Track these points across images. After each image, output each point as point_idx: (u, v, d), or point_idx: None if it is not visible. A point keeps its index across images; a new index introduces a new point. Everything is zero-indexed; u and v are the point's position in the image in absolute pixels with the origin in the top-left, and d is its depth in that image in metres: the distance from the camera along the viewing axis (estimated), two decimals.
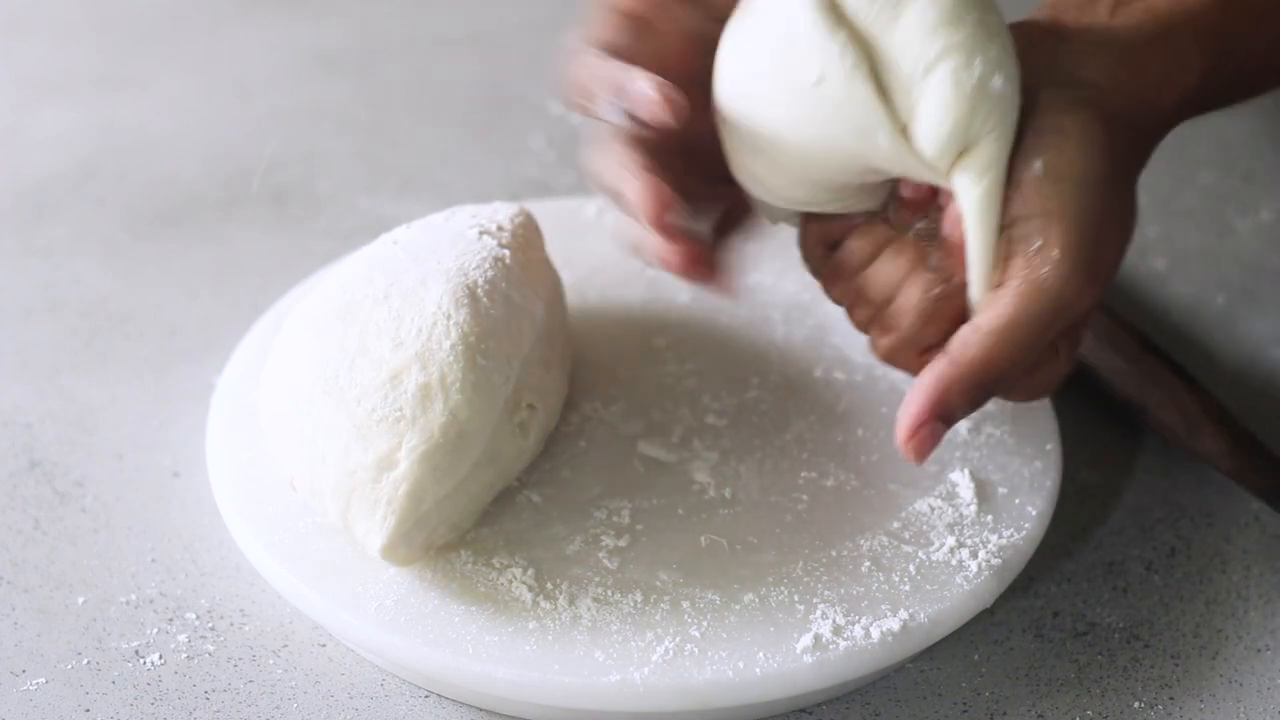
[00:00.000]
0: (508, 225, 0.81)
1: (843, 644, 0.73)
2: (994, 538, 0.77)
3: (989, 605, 0.76)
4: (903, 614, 0.74)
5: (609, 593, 0.74)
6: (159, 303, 0.93)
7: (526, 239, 0.81)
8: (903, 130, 0.69)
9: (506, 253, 0.78)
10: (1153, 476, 0.86)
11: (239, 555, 0.79)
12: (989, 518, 0.78)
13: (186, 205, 1.00)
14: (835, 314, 0.88)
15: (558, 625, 0.73)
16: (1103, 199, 0.69)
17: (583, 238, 0.91)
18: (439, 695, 0.75)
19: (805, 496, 0.79)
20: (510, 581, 0.74)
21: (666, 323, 0.87)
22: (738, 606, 0.74)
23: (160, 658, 0.76)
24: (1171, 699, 0.76)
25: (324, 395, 0.74)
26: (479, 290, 0.76)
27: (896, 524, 0.78)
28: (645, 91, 0.69)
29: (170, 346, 0.90)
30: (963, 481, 0.80)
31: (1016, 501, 0.79)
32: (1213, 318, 0.95)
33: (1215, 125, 1.09)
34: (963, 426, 0.82)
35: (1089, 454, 0.86)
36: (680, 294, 0.89)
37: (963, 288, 0.71)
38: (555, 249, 0.84)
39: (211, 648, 0.76)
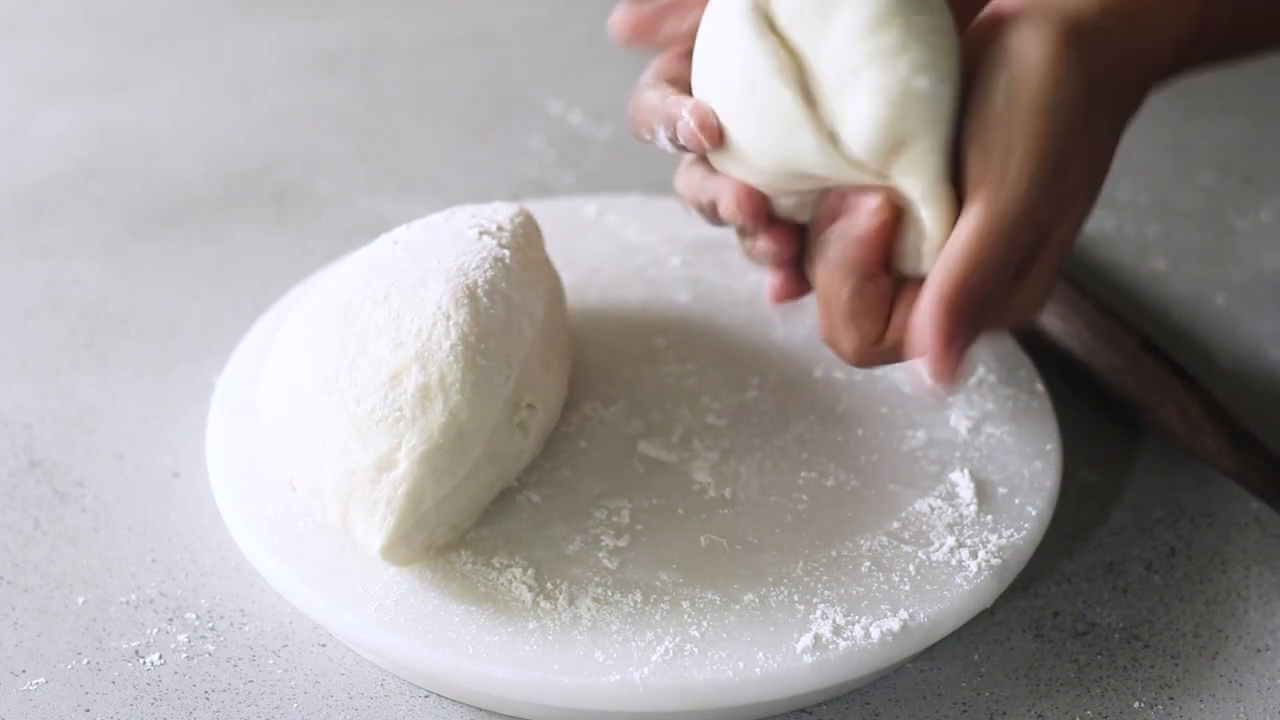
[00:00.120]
0: (508, 225, 0.81)
1: (843, 644, 0.73)
2: (994, 538, 0.77)
3: (989, 605, 0.76)
4: (903, 614, 0.74)
5: (609, 593, 0.74)
6: (159, 303, 0.93)
7: (526, 239, 0.81)
8: (831, 136, 0.70)
9: (506, 253, 0.78)
10: (1153, 476, 0.86)
11: (239, 555, 0.79)
12: (989, 518, 0.78)
13: (186, 205, 1.00)
14: None
15: (558, 625, 0.73)
16: (1070, 124, 0.69)
17: (583, 238, 0.91)
18: (439, 695, 0.75)
19: (805, 496, 0.79)
20: (510, 581, 0.74)
21: (666, 323, 0.87)
22: (738, 606, 0.74)
23: (160, 658, 0.76)
24: (1171, 699, 0.76)
25: (324, 395, 0.74)
26: (479, 290, 0.76)
27: (896, 524, 0.78)
28: (687, 121, 0.72)
29: (170, 346, 0.90)
30: (963, 481, 0.80)
31: (1016, 501, 0.79)
32: (1213, 318, 0.95)
33: (1215, 125, 1.09)
34: (963, 426, 0.82)
35: (1089, 454, 0.86)
36: (680, 294, 0.89)
37: (877, 274, 0.72)
38: (555, 249, 0.84)
39: (211, 648, 0.76)
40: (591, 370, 0.84)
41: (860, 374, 0.85)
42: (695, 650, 0.72)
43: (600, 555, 0.76)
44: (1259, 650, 0.78)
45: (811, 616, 0.74)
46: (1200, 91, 1.11)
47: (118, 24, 1.14)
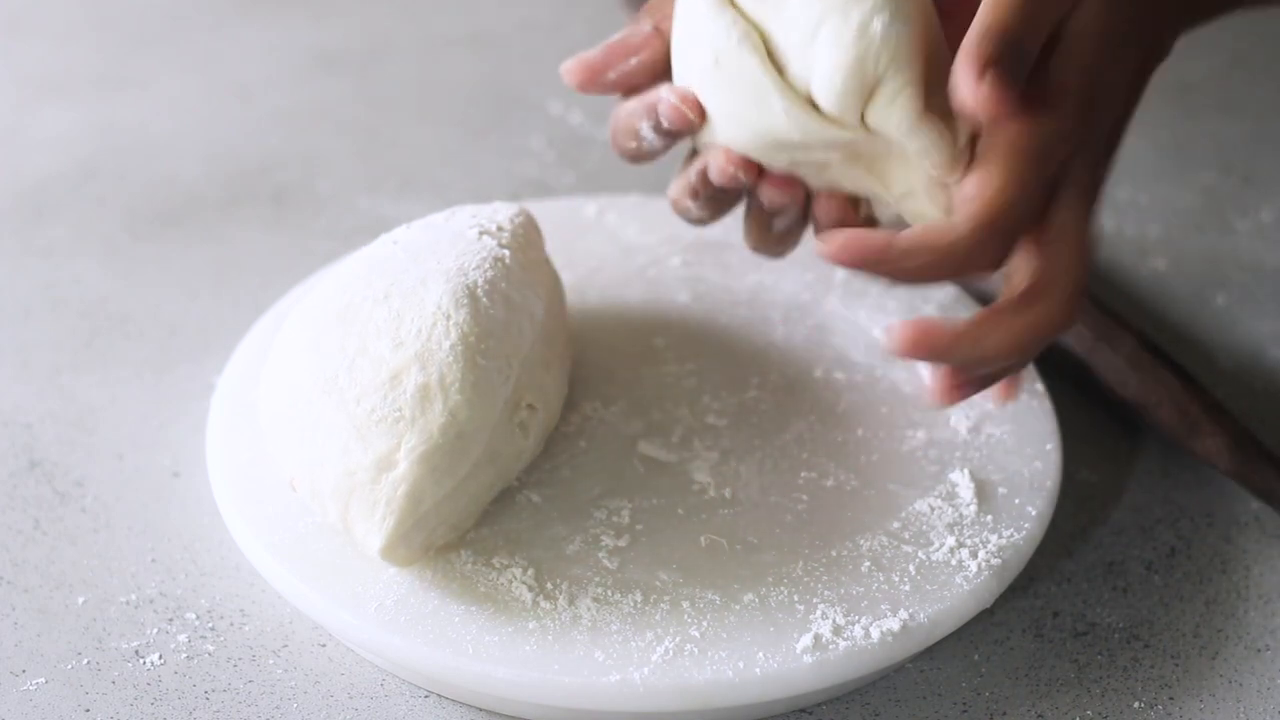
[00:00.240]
0: (508, 225, 0.81)
1: (843, 644, 0.73)
2: (994, 538, 0.77)
3: (989, 605, 0.76)
4: (903, 614, 0.74)
5: (609, 593, 0.74)
6: (159, 303, 0.93)
7: (526, 239, 0.81)
8: (805, 100, 0.71)
9: (506, 253, 0.78)
10: (1153, 476, 0.86)
11: (239, 555, 0.79)
12: (989, 518, 0.78)
13: (186, 205, 1.00)
14: (835, 314, 0.88)
15: (558, 625, 0.73)
16: (1105, 54, 0.70)
17: (583, 238, 0.91)
18: (439, 695, 0.75)
19: (805, 496, 0.79)
20: (510, 581, 0.74)
21: (666, 323, 0.87)
22: (738, 606, 0.74)
23: (160, 658, 0.76)
24: (1171, 699, 0.76)
25: (323, 395, 0.74)
26: (479, 290, 0.76)
27: (896, 524, 0.78)
28: (667, 99, 0.73)
29: (170, 346, 0.90)
30: (963, 481, 0.80)
31: (1016, 501, 0.79)
32: (1213, 318, 0.95)
33: (1215, 125, 1.09)
34: (963, 426, 0.82)
35: (1089, 454, 0.86)
36: (680, 294, 0.89)
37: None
38: (555, 249, 0.84)
39: (211, 648, 0.76)
40: (591, 370, 0.84)
41: (860, 374, 0.85)
42: (695, 650, 0.72)
43: (600, 555, 0.76)
44: (1259, 650, 0.78)
45: (811, 616, 0.74)
46: (1200, 91, 1.11)
47: (118, 24, 1.14)
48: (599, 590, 0.74)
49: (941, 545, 0.77)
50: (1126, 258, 0.99)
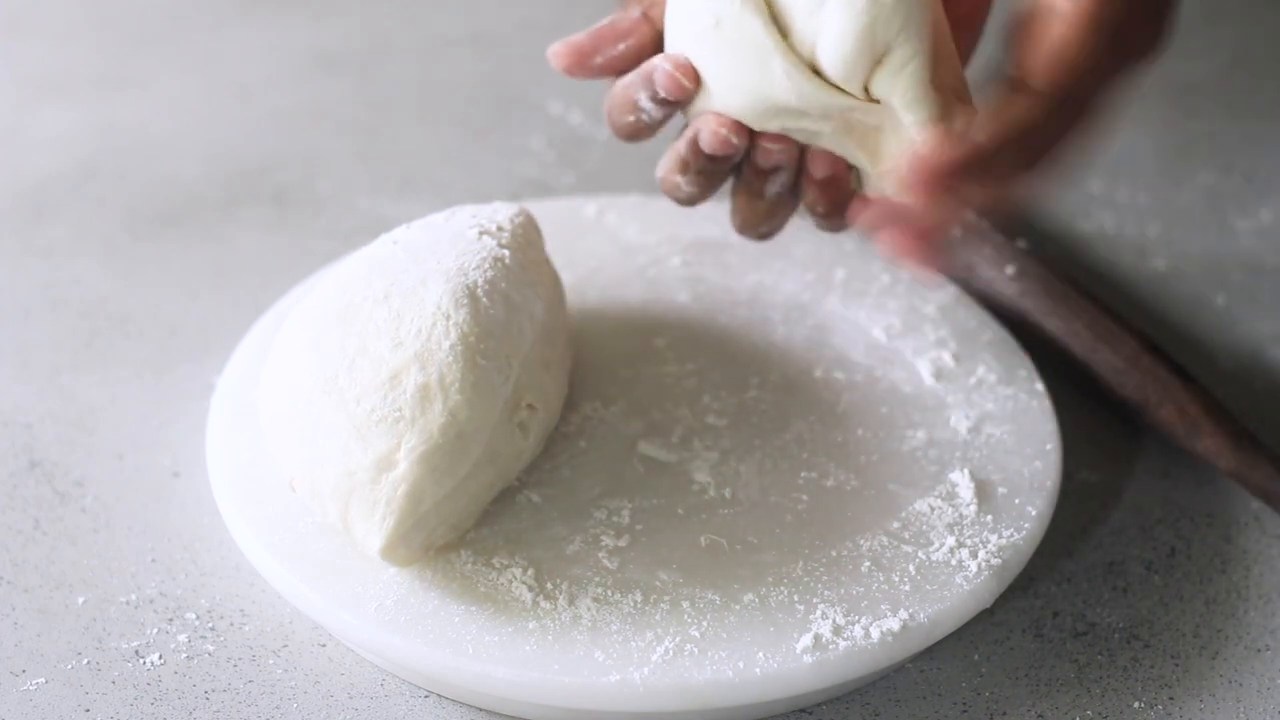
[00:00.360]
0: (508, 225, 0.81)
1: (843, 644, 0.73)
2: (994, 538, 0.77)
3: (989, 605, 0.76)
4: (903, 614, 0.74)
5: (609, 593, 0.74)
6: (159, 303, 0.93)
7: (526, 239, 0.81)
8: (808, 65, 0.71)
9: (506, 253, 0.78)
10: (1153, 476, 0.86)
11: (239, 555, 0.79)
12: (989, 518, 0.78)
13: (186, 205, 1.00)
14: (835, 314, 0.88)
15: (558, 625, 0.73)
16: (1082, 36, 0.68)
17: (583, 238, 0.91)
18: (439, 695, 0.75)
19: (805, 496, 0.79)
20: (510, 581, 0.74)
21: (666, 323, 0.87)
22: (738, 606, 0.74)
23: (160, 658, 0.76)
24: (1171, 699, 0.76)
25: (323, 395, 0.74)
26: (479, 290, 0.76)
27: (896, 524, 0.78)
28: (663, 67, 0.73)
29: (170, 346, 0.90)
30: (963, 481, 0.80)
31: (1016, 501, 0.79)
32: (1213, 318, 0.95)
33: (1215, 125, 1.09)
34: (963, 426, 0.82)
35: (1089, 454, 0.86)
36: (680, 294, 0.89)
37: None
38: (555, 249, 0.84)
39: (211, 648, 0.76)
40: (591, 370, 0.84)
41: (860, 374, 0.85)
42: (695, 650, 0.72)
43: (600, 555, 0.76)
44: (1259, 650, 0.78)
45: (811, 616, 0.74)
46: (1200, 91, 1.11)
47: (118, 24, 1.14)
48: (599, 590, 0.74)
49: (941, 545, 0.77)
50: (1126, 258, 0.99)
